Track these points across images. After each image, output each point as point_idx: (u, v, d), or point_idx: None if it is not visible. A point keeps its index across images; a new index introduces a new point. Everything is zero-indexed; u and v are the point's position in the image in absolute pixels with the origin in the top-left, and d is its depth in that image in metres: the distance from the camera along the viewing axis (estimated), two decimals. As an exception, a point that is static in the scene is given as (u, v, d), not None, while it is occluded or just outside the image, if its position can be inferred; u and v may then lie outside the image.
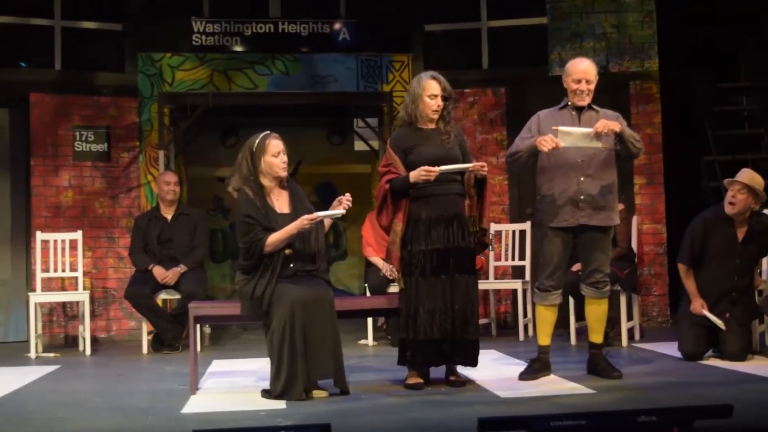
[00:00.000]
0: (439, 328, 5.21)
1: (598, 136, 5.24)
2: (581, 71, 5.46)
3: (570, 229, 5.45)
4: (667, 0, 8.83)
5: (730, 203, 6.12)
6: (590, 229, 5.43)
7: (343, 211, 5.21)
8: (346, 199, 5.21)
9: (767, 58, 9.17)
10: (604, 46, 8.71)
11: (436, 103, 5.33)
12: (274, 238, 5.13)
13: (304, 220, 5.13)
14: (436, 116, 5.36)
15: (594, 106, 5.53)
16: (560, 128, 5.26)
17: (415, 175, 5.17)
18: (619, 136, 5.30)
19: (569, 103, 5.52)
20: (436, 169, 5.14)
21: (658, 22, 8.76)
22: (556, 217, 5.43)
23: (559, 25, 8.84)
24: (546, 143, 5.23)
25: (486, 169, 5.31)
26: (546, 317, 5.56)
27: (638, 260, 7.54)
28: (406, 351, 5.29)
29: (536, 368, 5.52)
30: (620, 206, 5.90)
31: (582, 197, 5.39)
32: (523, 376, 5.50)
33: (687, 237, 6.30)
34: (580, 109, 5.50)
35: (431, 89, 5.32)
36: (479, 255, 5.68)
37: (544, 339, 5.56)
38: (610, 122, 5.24)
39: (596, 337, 5.59)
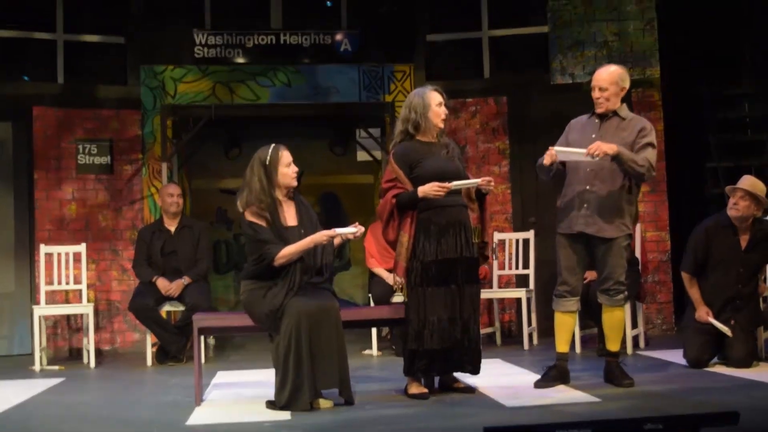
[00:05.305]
0: (449, 338, 5.22)
1: (591, 156, 5.25)
2: (594, 78, 5.55)
3: (578, 237, 5.46)
4: (668, 7, 8.85)
5: (733, 210, 6.12)
6: (594, 238, 5.43)
7: (356, 230, 5.21)
8: (358, 230, 5.23)
9: (769, 64, 9.18)
10: (606, 54, 8.72)
11: (443, 111, 5.39)
12: (288, 251, 5.11)
13: (323, 236, 5.13)
14: (443, 125, 5.40)
15: (620, 113, 5.50)
16: (556, 148, 5.36)
17: (425, 191, 5.18)
18: (615, 159, 5.29)
19: (595, 111, 5.55)
20: (448, 185, 5.16)
21: (659, 29, 8.77)
22: (562, 223, 5.50)
23: (560, 34, 8.86)
24: (545, 157, 5.34)
25: (493, 184, 5.35)
26: (562, 323, 5.55)
27: (642, 268, 7.53)
28: (416, 361, 5.27)
29: (552, 376, 5.50)
30: None
31: (585, 206, 5.41)
32: (539, 383, 5.47)
33: (689, 246, 6.30)
34: (603, 117, 5.51)
35: (438, 98, 5.38)
36: (482, 265, 5.69)
37: (561, 346, 5.55)
38: (604, 145, 5.22)
39: (611, 345, 5.57)
